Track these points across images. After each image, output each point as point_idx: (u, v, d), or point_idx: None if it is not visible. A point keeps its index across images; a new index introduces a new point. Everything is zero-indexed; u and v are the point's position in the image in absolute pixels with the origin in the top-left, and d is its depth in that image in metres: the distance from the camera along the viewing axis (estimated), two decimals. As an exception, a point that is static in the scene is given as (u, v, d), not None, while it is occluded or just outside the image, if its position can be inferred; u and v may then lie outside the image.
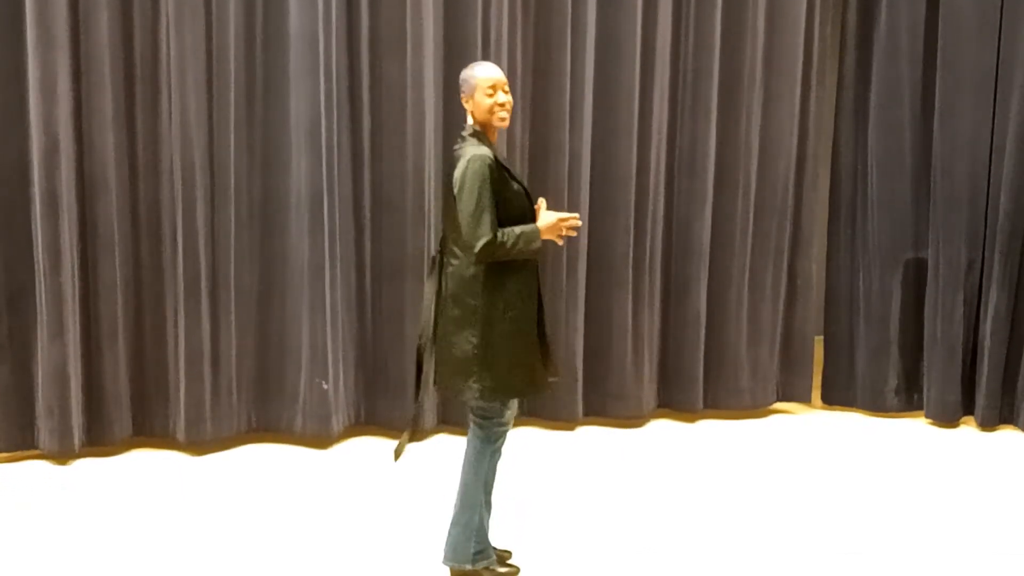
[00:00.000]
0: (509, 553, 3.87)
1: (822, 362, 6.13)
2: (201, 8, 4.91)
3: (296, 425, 5.20)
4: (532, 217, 3.53)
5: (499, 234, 3.40)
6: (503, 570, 3.67)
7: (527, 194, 3.56)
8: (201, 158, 4.96)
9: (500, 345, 3.48)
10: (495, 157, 3.45)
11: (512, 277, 3.49)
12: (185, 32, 4.87)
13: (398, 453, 3.67)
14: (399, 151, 5.20)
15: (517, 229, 3.45)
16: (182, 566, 3.80)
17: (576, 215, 3.59)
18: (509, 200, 3.48)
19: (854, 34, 5.87)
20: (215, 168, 5.02)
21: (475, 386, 3.47)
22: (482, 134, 3.52)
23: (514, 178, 3.52)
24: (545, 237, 3.52)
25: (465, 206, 3.39)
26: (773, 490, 4.75)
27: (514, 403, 3.61)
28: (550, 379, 3.69)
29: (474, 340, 3.47)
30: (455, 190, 3.43)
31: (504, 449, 3.71)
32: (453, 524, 3.66)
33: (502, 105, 3.48)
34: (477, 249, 3.38)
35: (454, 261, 3.50)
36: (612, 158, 5.53)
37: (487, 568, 3.66)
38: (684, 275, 5.74)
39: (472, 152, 3.43)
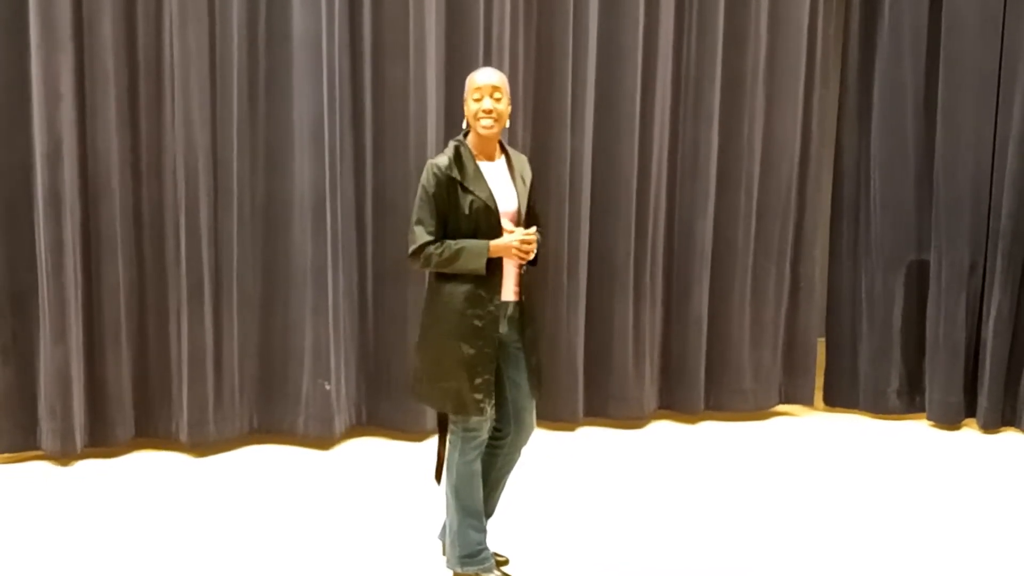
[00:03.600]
0: (506, 560, 3.87)
1: (824, 364, 6.13)
2: (204, 10, 4.91)
3: (299, 426, 5.20)
4: (491, 234, 3.43)
5: (435, 244, 3.42)
6: None
7: (490, 208, 3.44)
8: (204, 160, 4.97)
9: (428, 355, 3.53)
10: (452, 166, 3.42)
11: (452, 292, 3.45)
12: (188, 34, 4.88)
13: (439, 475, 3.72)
14: (402, 153, 5.20)
15: (462, 242, 3.41)
16: (185, 567, 3.81)
17: (529, 231, 3.43)
18: (459, 215, 3.44)
19: (857, 36, 5.86)
20: (218, 170, 5.02)
21: (415, 386, 3.61)
22: (465, 140, 3.52)
23: (469, 191, 3.42)
24: (497, 255, 3.42)
25: (412, 211, 3.48)
26: (775, 492, 4.75)
27: (486, 411, 3.48)
28: (532, 399, 3.63)
29: (417, 343, 3.59)
30: None
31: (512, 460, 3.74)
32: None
33: (487, 112, 3.43)
34: (408, 255, 3.48)
35: None
36: (614, 160, 5.53)
37: (476, 574, 3.66)
38: (686, 277, 5.74)
39: (433, 159, 3.50)
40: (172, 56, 4.89)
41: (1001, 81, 5.64)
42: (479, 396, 3.45)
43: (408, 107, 5.17)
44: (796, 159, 5.80)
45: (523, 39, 5.39)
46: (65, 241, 4.79)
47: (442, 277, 3.49)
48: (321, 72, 5.01)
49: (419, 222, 3.45)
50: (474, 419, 3.49)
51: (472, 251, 3.40)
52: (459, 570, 3.67)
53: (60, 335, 4.81)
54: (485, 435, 3.57)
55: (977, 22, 5.60)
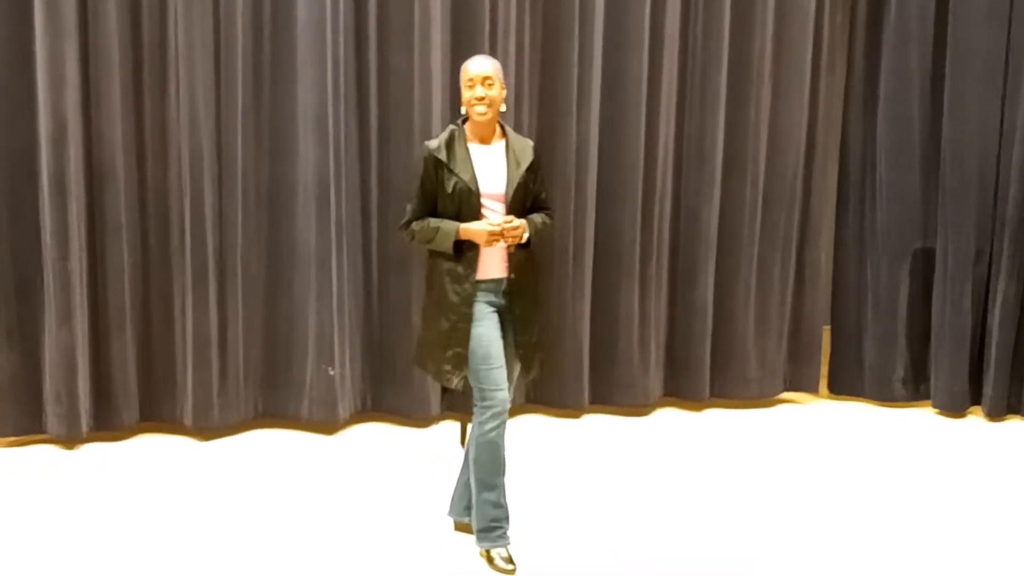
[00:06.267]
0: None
1: (829, 352, 6.12)
2: (209, -4, 4.93)
3: (303, 411, 5.22)
4: (472, 215, 3.60)
5: (419, 221, 3.66)
6: (501, 564, 3.69)
7: (471, 191, 3.59)
8: (209, 146, 4.97)
9: (421, 325, 3.83)
10: (441, 148, 3.61)
11: (438, 267, 3.67)
12: (193, 20, 4.87)
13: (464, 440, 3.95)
14: (406, 140, 5.20)
15: (437, 222, 3.62)
16: (189, 551, 3.82)
17: (495, 223, 3.58)
18: (444, 196, 3.63)
19: (863, 23, 5.84)
20: (223, 156, 5.03)
21: (415, 352, 3.87)
22: (462, 126, 3.68)
23: (454, 173, 3.59)
24: (466, 238, 3.59)
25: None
26: (780, 480, 4.74)
27: (452, 381, 3.68)
28: (529, 377, 3.90)
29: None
30: None
31: (504, 439, 3.74)
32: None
33: (479, 99, 3.59)
34: (398, 228, 3.76)
35: None
36: (620, 147, 5.52)
37: (487, 550, 3.72)
38: (692, 264, 5.73)
39: (427, 141, 3.71)
40: (177, 42, 4.88)
41: (1008, 68, 5.61)
42: (448, 367, 3.66)
43: (413, 93, 5.16)
44: (802, 147, 5.78)
45: (529, 24, 5.37)
46: (70, 226, 4.80)
47: (432, 254, 3.71)
48: (326, 58, 5.00)
49: (410, 199, 3.70)
50: (488, 391, 3.61)
51: (444, 232, 3.61)
52: (477, 544, 3.75)
53: (65, 320, 4.82)
54: (500, 406, 3.65)
55: (984, 8, 5.58)
